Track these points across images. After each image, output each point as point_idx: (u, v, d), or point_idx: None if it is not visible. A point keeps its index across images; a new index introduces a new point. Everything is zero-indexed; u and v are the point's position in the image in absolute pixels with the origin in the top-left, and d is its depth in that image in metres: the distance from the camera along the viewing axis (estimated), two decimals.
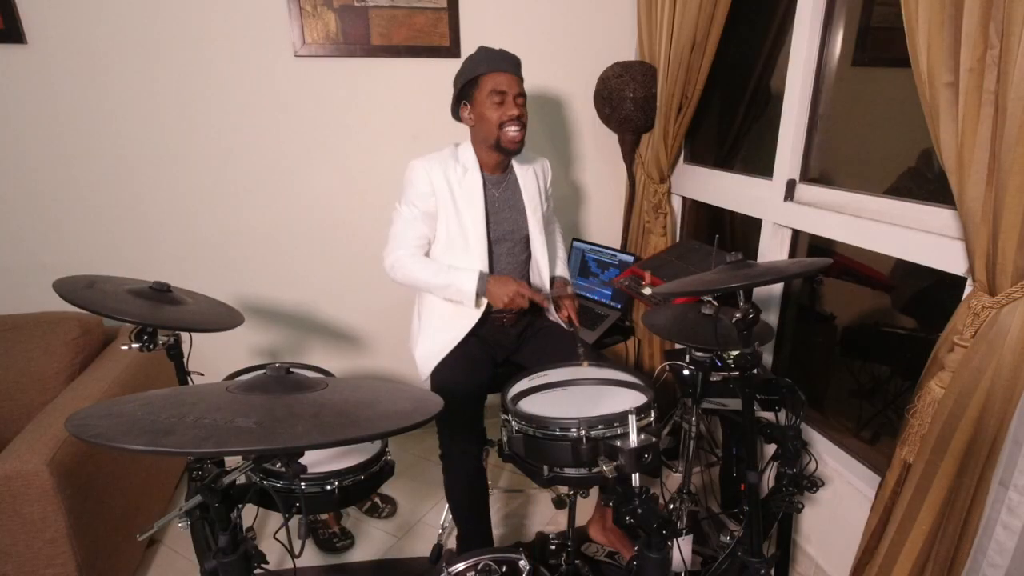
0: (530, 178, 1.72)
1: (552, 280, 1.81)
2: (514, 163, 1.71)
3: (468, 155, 1.65)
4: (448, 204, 1.61)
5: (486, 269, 1.64)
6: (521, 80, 1.58)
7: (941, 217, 1.29)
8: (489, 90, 1.54)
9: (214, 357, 2.26)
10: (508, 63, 1.56)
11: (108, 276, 1.40)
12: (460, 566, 1.25)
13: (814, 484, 1.34)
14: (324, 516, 1.94)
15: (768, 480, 1.39)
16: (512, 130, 1.56)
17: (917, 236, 1.33)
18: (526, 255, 1.75)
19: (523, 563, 1.24)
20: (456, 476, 1.57)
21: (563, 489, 1.98)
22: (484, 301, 1.63)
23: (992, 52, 0.98)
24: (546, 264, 1.76)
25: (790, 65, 1.68)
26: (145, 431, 0.66)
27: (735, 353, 1.11)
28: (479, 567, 1.25)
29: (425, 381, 1.67)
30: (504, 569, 1.25)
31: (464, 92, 1.59)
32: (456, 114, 1.65)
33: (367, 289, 2.38)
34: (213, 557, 0.86)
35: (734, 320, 1.07)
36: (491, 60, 1.55)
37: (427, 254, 1.68)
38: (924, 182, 1.42)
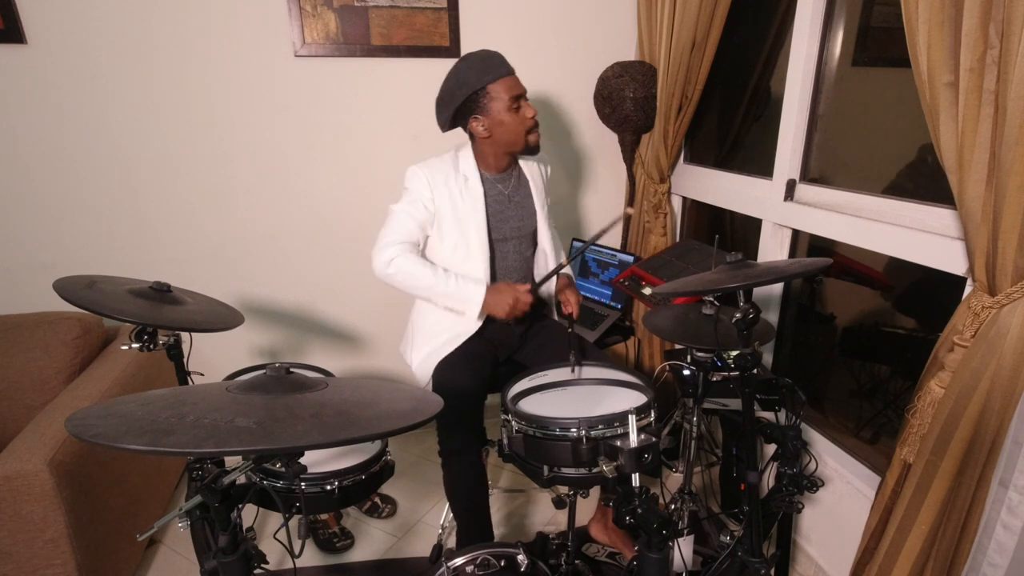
0: (535, 171, 1.73)
1: (557, 273, 1.79)
2: (519, 158, 1.70)
3: (469, 164, 1.62)
4: (448, 213, 1.59)
5: (488, 272, 1.63)
6: None
7: (941, 217, 1.29)
8: (508, 97, 1.50)
9: (214, 357, 2.27)
10: (507, 64, 1.53)
11: (108, 276, 1.40)
12: (459, 560, 1.25)
13: (814, 484, 1.34)
14: (324, 516, 1.94)
15: (768, 480, 1.39)
16: (536, 132, 1.57)
17: (917, 236, 1.32)
18: (532, 249, 1.76)
19: (521, 557, 1.24)
20: (455, 473, 1.57)
21: (563, 489, 1.98)
22: (474, 316, 1.60)
23: (992, 52, 0.98)
24: (553, 256, 1.77)
25: (790, 65, 1.68)
26: (145, 431, 0.66)
27: (735, 353, 1.11)
28: (478, 561, 1.25)
29: (425, 383, 1.67)
30: (503, 563, 1.24)
31: (470, 105, 1.52)
32: (454, 126, 1.59)
33: (367, 289, 2.38)
34: (213, 557, 0.86)
35: (734, 320, 1.07)
36: (492, 66, 1.50)
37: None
38: (925, 177, 1.42)
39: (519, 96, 1.52)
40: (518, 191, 1.69)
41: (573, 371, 1.46)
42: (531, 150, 1.59)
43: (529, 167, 1.72)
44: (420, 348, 1.68)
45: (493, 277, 1.67)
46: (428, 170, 1.59)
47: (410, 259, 1.56)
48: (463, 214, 1.60)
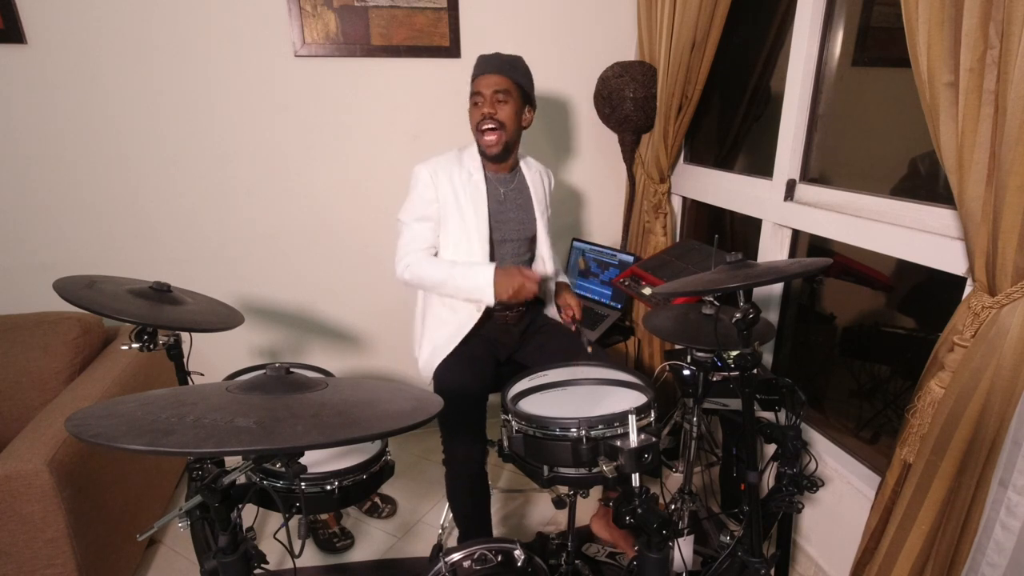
0: (537, 180, 1.76)
1: (556, 287, 1.82)
2: (521, 164, 1.74)
3: (473, 159, 1.66)
4: (452, 208, 1.61)
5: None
6: (506, 78, 1.57)
7: (941, 217, 1.29)
8: (471, 94, 1.60)
9: (214, 357, 2.27)
10: (491, 64, 1.58)
11: (108, 276, 1.40)
12: (456, 556, 1.25)
13: (814, 484, 1.34)
14: (324, 516, 1.94)
15: (768, 480, 1.39)
16: (485, 129, 1.58)
17: (917, 236, 1.32)
18: (530, 255, 1.77)
19: (518, 552, 1.24)
20: (459, 481, 1.57)
21: (563, 489, 1.98)
22: (491, 302, 1.59)
23: (992, 52, 0.98)
24: (551, 263, 1.78)
25: (790, 65, 1.68)
26: (145, 431, 0.66)
27: (735, 353, 1.11)
28: (475, 556, 1.25)
29: (428, 384, 1.67)
30: (500, 558, 1.24)
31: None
32: None
33: (367, 289, 2.38)
34: (213, 557, 0.86)
35: (734, 320, 1.07)
36: (478, 66, 1.60)
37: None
38: (925, 177, 1.42)
39: (479, 93, 1.57)
40: (520, 194, 1.71)
41: (589, 349, 1.59)
42: (483, 151, 1.63)
43: (531, 174, 1.75)
44: (425, 347, 1.70)
45: None
46: (431, 168, 1.62)
47: (422, 264, 1.61)
48: (466, 209, 1.62)
